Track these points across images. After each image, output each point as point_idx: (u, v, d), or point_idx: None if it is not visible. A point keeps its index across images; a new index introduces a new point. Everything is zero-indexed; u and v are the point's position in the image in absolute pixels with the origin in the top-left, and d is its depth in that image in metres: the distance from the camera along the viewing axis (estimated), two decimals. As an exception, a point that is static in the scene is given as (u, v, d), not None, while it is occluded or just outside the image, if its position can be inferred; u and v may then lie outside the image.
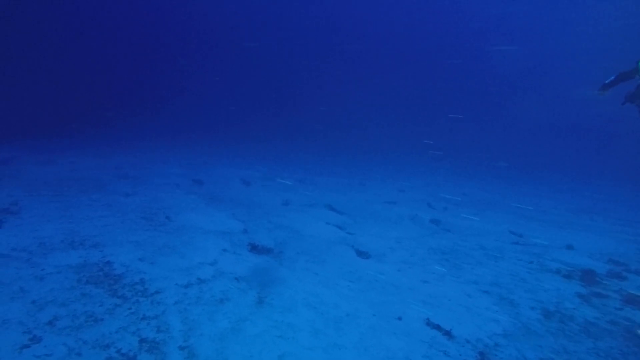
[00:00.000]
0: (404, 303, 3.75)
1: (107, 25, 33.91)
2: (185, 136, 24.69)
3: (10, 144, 13.45)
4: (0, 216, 5.09)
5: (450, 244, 6.12)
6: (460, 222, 8.08)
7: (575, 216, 9.85)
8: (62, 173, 9.00)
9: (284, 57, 40.49)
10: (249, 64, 40.35)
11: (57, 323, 2.84)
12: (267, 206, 7.73)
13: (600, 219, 9.75)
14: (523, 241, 6.76)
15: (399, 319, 3.42)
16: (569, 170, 23.52)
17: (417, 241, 6.21)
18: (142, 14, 36.00)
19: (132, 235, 4.90)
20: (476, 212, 9.53)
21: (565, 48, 43.51)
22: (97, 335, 2.75)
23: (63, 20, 30.20)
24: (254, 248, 5.12)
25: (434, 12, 43.68)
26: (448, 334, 3.19)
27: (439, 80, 45.10)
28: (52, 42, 28.26)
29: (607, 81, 4.59)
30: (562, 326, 3.40)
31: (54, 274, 3.58)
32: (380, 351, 2.89)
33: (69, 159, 11.69)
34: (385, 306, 3.65)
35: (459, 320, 3.47)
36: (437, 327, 3.27)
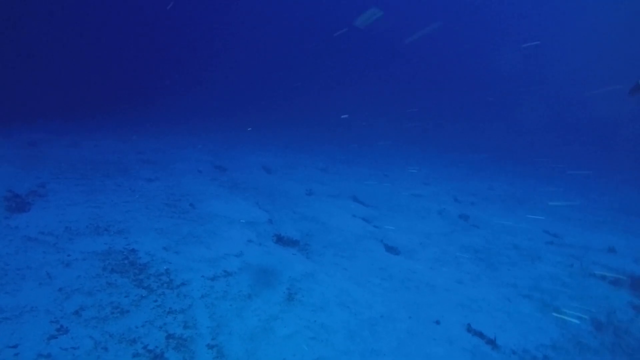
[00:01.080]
0: (440, 305, 3.53)
1: (134, 9, 34.05)
2: (206, 121, 24.71)
3: (37, 125, 13.66)
4: (29, 199, 5.07)
5: (482, 242, 5.83)
6: (489, 219, 7.75)
7: (610, 216, 9.35)
8: (87, 156, 9.03)
9: (303, 48, 39.95)
10: (271, 54, 40.01)
11: (84, 313, 2.74)
12: (291, 195, 7.57)
13: (639, 220, 9.24)
14: (558, 241, 6.41)
15: (437, 322, 3.21)
16: (588, 167, 22.39)
17: (448, 237, 5.95)
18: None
19: (156, 223, 4.80)
20: (506, 209, 9.16)
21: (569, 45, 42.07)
22: (123, 329, 2.63)
23: (89, 4, 30.47)
24: (280, 239, 4.97)
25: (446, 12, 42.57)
26: (492, 342, 2.96)
27: (450, 77, 43.91)
28: (76, 25, 28.55)
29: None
30: (619, 341, 3.13)
31: (79, 260, 3.49)
32: (421, 359, 2.69)
33: (92, 141, 11.77)
34: (422, 308, 3.44)
35: (502, 327, 3.23)
36: (480, 335, 3.05)
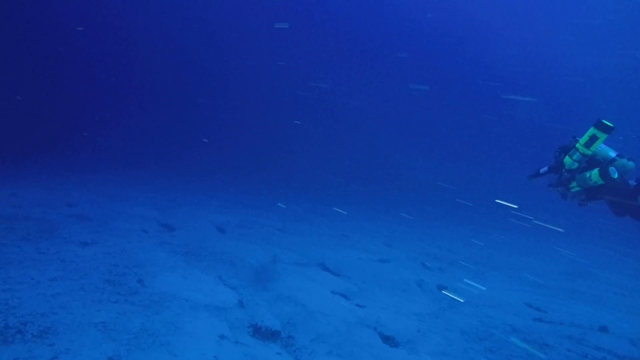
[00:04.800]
0: None
1: (64, 42, 31.98)
2: (146, 168, 22.90)
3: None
4: None
5: (478, 324, 5.28)
6: (467, 289, 7.33)
7: (571, 281, 9.43)
8: (0, 210, 7.40)
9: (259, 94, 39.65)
10: (218, 91, 39.07)
11: None
12: (256, 265, 6.60)
13: (595, 285, 9.41)
14: (546, 317, 6.06)
15: None
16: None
17: (440, 318, 5.32)
18: (104, 32, 34.33)
19: (96, 313, 3.63)
20: (475, 275, 8.87)
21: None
22: None
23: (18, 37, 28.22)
24: (257, 331, 4.00)
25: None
26: None
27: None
28: None
29: (541, 170, 5.05)
30: None
31: (-25, 393, 2.30)
32: None
33: (9, 190, 9.94)
34: None
35: None
36: None
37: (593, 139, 4.14)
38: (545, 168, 4.96)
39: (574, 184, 4.48)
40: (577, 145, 4.30)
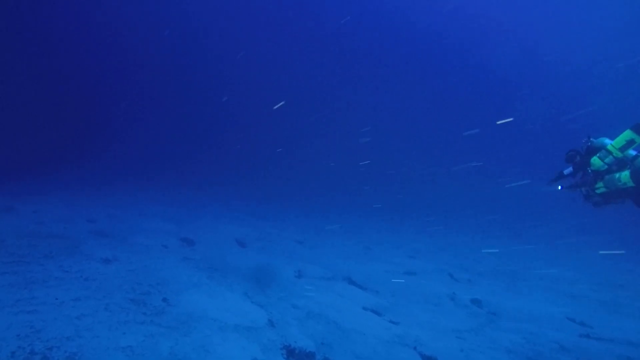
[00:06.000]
0: None
1: (77, 53, 32.73)
2: (160, 179, 23.03)
3: (-38, 185, 11.62)
4: None
5: (522, 341, 4.92)
6: (500, 302, 6.95)
7: (611, 293, 8.92)
8: (23, 227, 7.34)
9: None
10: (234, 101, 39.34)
11: None
12: (281, 279, 6.36)
13: (638, 297, 8.88)
14: (593, 333, 5.65)
15: None
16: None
17: (481, 336, 4.98)
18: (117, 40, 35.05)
19: (122, 336, 3.43)
20: (506, 287, 8.48)
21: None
22: None
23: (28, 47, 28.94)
24: (291, 353, 3.75)
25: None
26: None
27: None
28: (13, 72, 26.64)
29: (565, 172, 4.88)
30: None
31: None
32: None
33: (31, 206, 9.95)
34: None
35: None
36: None
37: (630, 143, 3.94)
38: (570, 169, 4.81)
39: (600, 184, 4.31)
40: (610, 148, 4.11)
